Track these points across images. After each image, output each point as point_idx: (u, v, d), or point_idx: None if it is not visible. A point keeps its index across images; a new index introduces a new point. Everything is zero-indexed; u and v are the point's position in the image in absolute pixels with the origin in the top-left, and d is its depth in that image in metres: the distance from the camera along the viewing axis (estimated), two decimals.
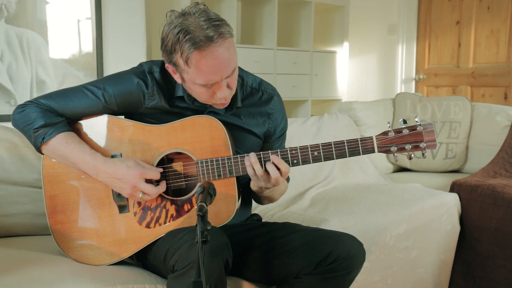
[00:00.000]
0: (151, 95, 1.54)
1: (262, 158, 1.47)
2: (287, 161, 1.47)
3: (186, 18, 1.39)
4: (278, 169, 1.46)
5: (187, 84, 1.48)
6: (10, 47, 2.91)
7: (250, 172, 1.47)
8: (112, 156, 1.53)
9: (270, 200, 1.68)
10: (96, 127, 1.56)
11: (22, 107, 1.52)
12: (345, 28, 4.82)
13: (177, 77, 1.49)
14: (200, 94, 1.47)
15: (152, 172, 1.47)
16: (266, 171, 1.47)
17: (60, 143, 1.49)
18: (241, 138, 1.61)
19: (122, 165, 1.46)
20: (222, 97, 1.46)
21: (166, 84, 1.55)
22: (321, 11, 4.89)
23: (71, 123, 1.56)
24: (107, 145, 1.55)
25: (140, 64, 1.58)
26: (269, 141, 1.68)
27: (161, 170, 1.50)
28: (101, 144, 1.55)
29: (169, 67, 1.48)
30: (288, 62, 4.42)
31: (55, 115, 1.51)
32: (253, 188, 1.54)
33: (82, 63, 3.16)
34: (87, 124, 1.57)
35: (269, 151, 1.49)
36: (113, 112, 1.57)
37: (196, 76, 1.41)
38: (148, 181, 1.48)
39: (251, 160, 1.46)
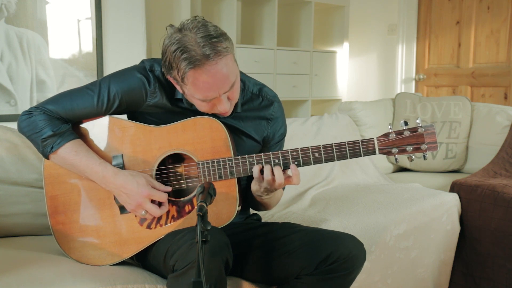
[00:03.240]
0: (153, 92, 1.53)
1: (268, 160, 1.48)
2: (287, 163, 1.48)
3: (185, 34, 1.38)
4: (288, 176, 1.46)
5: (187, 96, 1.49)
6: (10, 47, 2.91)
7: (255, 173, 1.47)
8: (113, 157, 1.53)
9: (266, 206, 1.68)
10: (98, 128, 1.56)
11: (28, 114, 1.51)
12: (345, 28, 4.82)
13: (178, 88, 1.50)
14: (201, 107, 1.48)
15: (160, 194, 1.47)
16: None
17: (69, 152, 1.49)
18: (240, 142, 1.61)
19: (132, 180, 1.46)
20: (223, 110, 1.46)
21: (168, 83, 1.55)
22: (321, 11, 4.89)
23: (75, 125, 1.56)
24: (109, 146, 1.55)
25: (142, 61, 1.58)
26: (267, 145, 1.68)
27: (170, 189, 1.50)
28: (102, 145, 1.55)
29: (171, 79, 1.48)
30: (288, 62, 4.42)
31: (61, 122, 1.51)
32: (253, 189, 1.54)
33: (82, 63, 3.16)
34: (89, 126, 1.57)
35: (280, 151, 1.49)
36: (117, 110, 1.56)
37: (194, 92, 1.42)
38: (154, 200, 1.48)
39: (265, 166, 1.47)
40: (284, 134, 1.70)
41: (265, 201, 1.60)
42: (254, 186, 1.53)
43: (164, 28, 1.46)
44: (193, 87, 1.40)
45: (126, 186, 1.46)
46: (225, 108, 1.46)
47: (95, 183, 1.52)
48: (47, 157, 1.52)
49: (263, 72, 4.18)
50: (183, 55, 1.36)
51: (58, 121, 1.50)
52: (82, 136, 1.56)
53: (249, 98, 1.63)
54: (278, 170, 1.45)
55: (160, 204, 1.49)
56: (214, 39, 1.37)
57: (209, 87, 1.39)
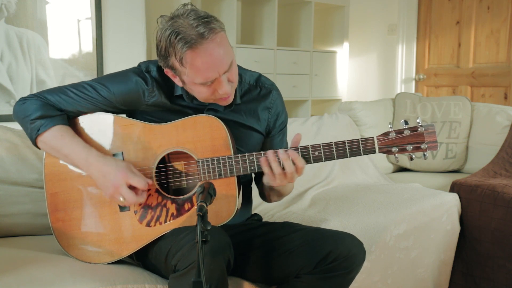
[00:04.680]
0: (151, 91, 1.54)
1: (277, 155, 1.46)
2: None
3: (176, 20, 1.39)
4: (294, 164, 1.44)
5: (187, 85, 1.48)
6: (10, 47, 2.91)
7: (266, 170, 1.45)
8: (114, 155, 1.54)
9: (280, 195, 1.66)
10: (98, 125, 1.56)
11: (24, 100, 1.53)
12: (345, 28, 4.82)
13: (177, 81, 1.50)
14: (202, 93, 1.47)
15: (139, 180, 1.45)
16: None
17: (55, 136, 1.49)
18: (243, 136, 1.60)
19: (111, 163, 1.45)
20: (224, 92, 1.46)
21: (165, 82, 1.56)
22: (321, 11, 4.89)
23: (73, 121, 1.56)
24: (109, 144, 1.55)
25: (138, 64, 1.59)
26: (270, 135, 1.67)
27: (151, 182, 1.48)
28: (102, 142, 1.56)
29: (168, 72, 1.48)
30: (288, 62, 4.42)
31: (55, 109, 1.51)
32: (265, 181, 1.51)
33: (82, 63, 3.16)
34: (88, 122, 1.57)
35: (286, 148, 1.47)
36: (114, 110, 1.57)
37: (194, 75, 1.41)
38: (133, 188, 1.46)
39: (269, 158, 1.43)
40: (285, 122, 1.70)
41: (278, 188, 1.58)
42: (266, 180, 1.50)
43: None
44: (192, 69, 1.40)
45: (105, 168, 1.45)
46: (226, 90, 1.45)
47: (95, 181, 1.52)
48: (35, 142, 1.51)
49: (263, 72, 4.12)
50: (177, 37, 1.36)
51: (51, 107, 1.51)
52: (82, 133, 1.56)
53: (247, 89, 1.63)
54: (286, 162, 1.42)
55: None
56: (206, 19, 1.38)
57: (208, 66, 1.39)
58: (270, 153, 1.44)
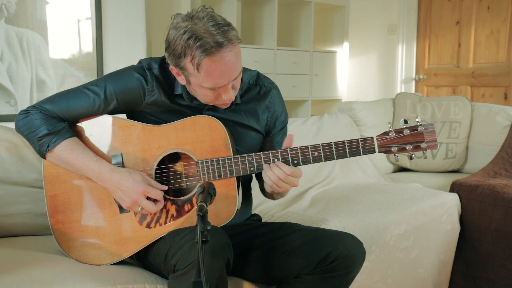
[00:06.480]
0: (151, 90, 1.54)
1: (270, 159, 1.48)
2: (287, 162, 1.47)
3: (195, 23, 1.39)
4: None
5: (192, 86, 1.48)
6: (10, 47, 2.91)
7: (268, 182, 1.47)
8: (113, 156, 1.54)
9: (282, 194, 1.67)
10: (97, 127, 1.56)
11: (25, 113, 1.52)
12: (345, 28, 4.82)
13: (181, 79, 1.50)
14: (206, 97, 1.48)
15: (156, 192, 1.48)
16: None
17: (65, 151, 1.49)
18: (241, 135, 1.61)
19: (128, 177, 1.46)
20: (228, 98, 1.48)
21: (166, 80, 1.56)
22: (321, 11, 4.89)
23: (73, 125, 1.56)
24: (108, 145, 1.55)
25: (140, 61, 1.59)
26: (270, 134, 1.68)
27: (165, 188, 1.51)
28: (102, 144, 1.56)
29: (174, 70, 1.48)
30: (288, 62, 4.42)
31: (57, 120, 1.51)
32: (268, 191, 1.55)
33: (82, 63, 3.16)
34: (88, 125, 1.57)
35: (270, 151, 1.49)
36: (115, 110, 1.57)
37: (205, 80, 1.42)
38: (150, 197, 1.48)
39: (265, 172, 1.47)
40: (285, 122, 1.71)
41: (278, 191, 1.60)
42: (270, 189, 1.54)
43: (164, 28, 1.46)
44: (206, 74, 1.41)
45: (122, 183, 1.46)
46: (230, 96, 1.48)
47: (94, 183, 1.53)
48: (43, 156, 1.52)
49: (263, 72, 4.16)
50: (197, 43, 1.37)
51: (54, 120, 1.51)
52: (81, 135, 1.56)
53: (247, 88, 1.64)
54: (279, 170, 1.46)
55: (155, 201, 1.49)
56: (225, 27, 1.40)
57: (221, 74, 1.41)
58: (266, 167, 1.47)
